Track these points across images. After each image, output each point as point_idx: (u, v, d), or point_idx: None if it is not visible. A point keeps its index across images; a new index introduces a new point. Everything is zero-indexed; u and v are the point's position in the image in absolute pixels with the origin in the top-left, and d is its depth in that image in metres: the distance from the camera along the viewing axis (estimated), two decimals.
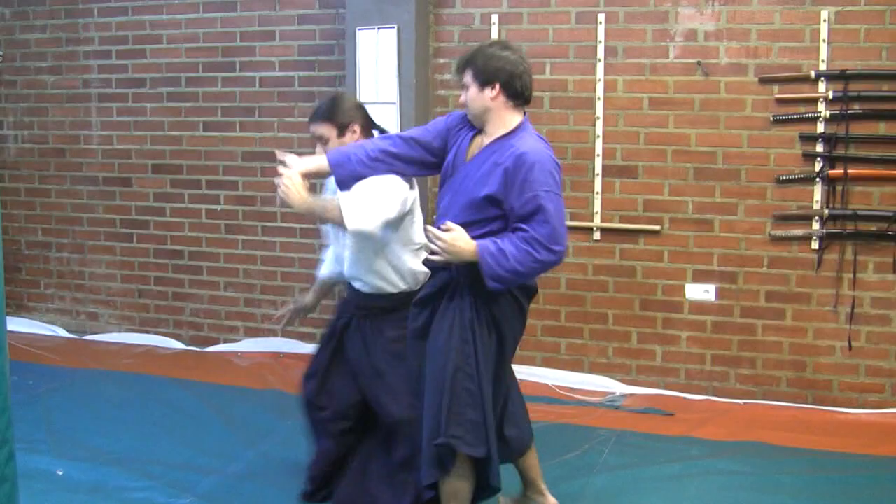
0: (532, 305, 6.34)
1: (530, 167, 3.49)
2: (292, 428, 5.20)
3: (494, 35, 6.19)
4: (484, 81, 3.62)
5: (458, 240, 3.53)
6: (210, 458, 4.89)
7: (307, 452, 4.42)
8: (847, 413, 5.72)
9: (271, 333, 6.98)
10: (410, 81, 6.13)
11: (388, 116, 6.11)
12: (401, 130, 5.37)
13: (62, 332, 7.45)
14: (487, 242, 3.52)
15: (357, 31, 6.18)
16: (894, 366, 5.78)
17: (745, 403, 5.84)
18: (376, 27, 6.13)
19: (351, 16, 6.24)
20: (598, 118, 6.06)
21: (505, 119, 3.66)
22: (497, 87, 3.61)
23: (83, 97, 7.34)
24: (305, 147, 6.66)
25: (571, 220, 6.04)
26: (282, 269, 6.95)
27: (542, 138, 3.71)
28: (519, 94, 3.65)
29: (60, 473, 4.65)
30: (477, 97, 3.65)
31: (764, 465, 4.85)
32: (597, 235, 6.13)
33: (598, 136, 6.07)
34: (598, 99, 6.03)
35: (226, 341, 7.11)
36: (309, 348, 6.56)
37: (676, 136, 5.96)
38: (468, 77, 3.67)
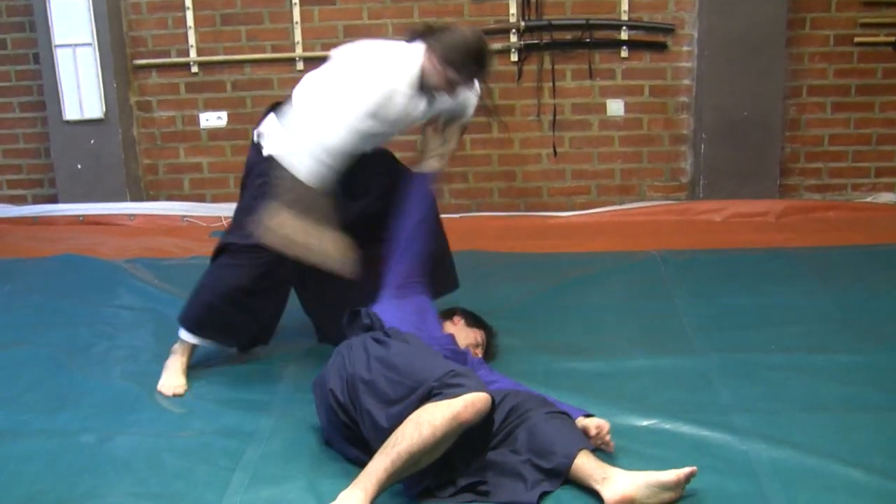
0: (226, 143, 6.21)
1: None
2: None
3: None
4: None
5: None
6: None
7: None
8: (558, 216, 5.93)
9: None
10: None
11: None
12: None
13: None
14: None
15: None
16: (598, 167, 6.02)
17: (461, 217, 5.90)
18: None
19: None
20: None
21: None
22: None
23: None
24: None
25: (272, 52, 5.93)
26: None
27: None
28: None
29: None
30: None
31: (482, 271, 4.95)
32: (300, 66, 5.98)
33: None
34: None
35: None
36: None
37: None
38: None
